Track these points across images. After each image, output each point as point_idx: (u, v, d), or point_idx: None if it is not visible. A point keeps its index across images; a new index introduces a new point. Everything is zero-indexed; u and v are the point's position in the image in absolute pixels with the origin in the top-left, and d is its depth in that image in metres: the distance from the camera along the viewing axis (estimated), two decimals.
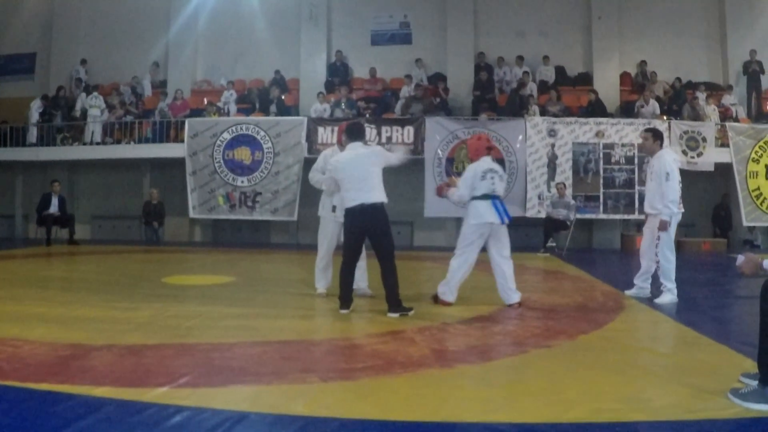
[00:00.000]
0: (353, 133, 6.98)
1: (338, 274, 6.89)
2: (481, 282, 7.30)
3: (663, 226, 7.49)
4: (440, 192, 7.82)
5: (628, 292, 8.11)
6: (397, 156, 7.08)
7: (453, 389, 4.06)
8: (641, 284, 8.07)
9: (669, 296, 7.61)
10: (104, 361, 4.58)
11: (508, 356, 5.03)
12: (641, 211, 15.36)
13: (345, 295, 6.78)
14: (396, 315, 6.48)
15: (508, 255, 7.15)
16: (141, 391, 3.84)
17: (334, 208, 7.61)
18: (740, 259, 3.88)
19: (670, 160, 7.58)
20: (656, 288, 7.85)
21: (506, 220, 7.04)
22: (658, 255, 7.67)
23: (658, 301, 7.59)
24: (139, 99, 19.00)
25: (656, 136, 7.88)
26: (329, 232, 7.77)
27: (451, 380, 4.28)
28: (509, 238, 7.21)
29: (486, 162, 7.20)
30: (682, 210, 7.69)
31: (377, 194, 6.64)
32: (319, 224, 7.92)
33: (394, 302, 6.57)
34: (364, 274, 7.70)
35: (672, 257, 7.61)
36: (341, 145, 7.53)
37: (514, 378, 4.39)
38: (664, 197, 7.46)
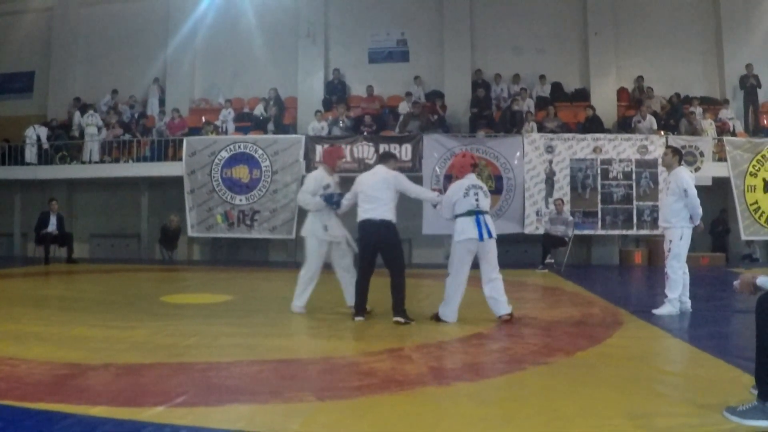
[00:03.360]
0: (382, 157, 8.00)
1: (354, 285, 7.51)
2: (477, 299, 7.30)
3: (703, 228, 8.51)
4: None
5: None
6: (417, 190, 7.85)
7: (450, 407, 4.06)
8: (682, 299, 7.99)
9: (668, 308, 7.70)
10: (101, 381, 4.58)
11: (505, 374, 5.01)
12: (639, 226, 15.55)
13: (360, 304, 7.39)
14: (401, 320, 7.01)
15: (496, 273, 7.18)
16: (137, 411, 3.83)
17: (326, 228, 7.70)
18: (736, 283, 3.91)
19: (686, 177, 7.95)
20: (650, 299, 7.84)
21: (488, 237, 7.05)
22: (666, 266, 7.86)
23: (656, 311, 7.67)
24: (139, 117, 19.02)
25: (675, 152, 8.37)
26: (315, 251, 7.81)
27: (449, 398, 4.27)
28: (497, 254, 7.22)
29: (469, 179, 7.33)
30: (693, 225, 7.94)
31: (386, 212, 7.32)
32: (305, 243, 7.92)
33: (400, 310, 7.10)
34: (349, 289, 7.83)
35: (679, 270, 7.78)
36: (326, 166, 8.06)
37: (512, 396, 4.37)
38: (691, 211, 7.81)
